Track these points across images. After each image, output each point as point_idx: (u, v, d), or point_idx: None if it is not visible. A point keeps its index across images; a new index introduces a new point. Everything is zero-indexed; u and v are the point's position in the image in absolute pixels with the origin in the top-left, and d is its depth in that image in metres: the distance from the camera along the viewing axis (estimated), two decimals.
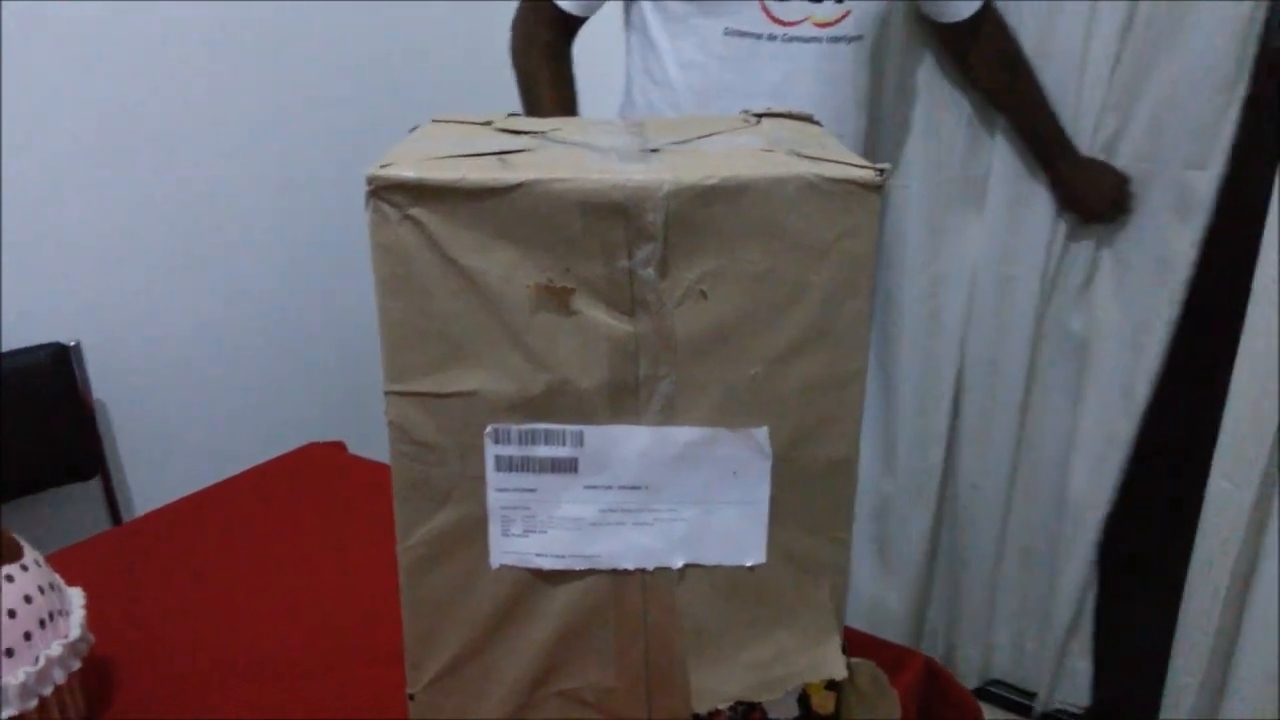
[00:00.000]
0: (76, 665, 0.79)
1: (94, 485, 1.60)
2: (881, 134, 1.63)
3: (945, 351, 1.72)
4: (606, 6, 1.39)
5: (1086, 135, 1.51)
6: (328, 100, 1.80)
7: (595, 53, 1.43)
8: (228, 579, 1.06)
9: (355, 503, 1.21)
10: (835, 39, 1.32)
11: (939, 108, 1.61)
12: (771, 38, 1.30)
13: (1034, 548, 1.77)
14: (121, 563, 1.10)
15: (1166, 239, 1.50)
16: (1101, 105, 1.49)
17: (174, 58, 1.58)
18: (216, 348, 1.73)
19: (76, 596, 0.83)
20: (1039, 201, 1.57)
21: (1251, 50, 1.37)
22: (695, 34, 1.32)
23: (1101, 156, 1.52)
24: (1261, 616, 1.39)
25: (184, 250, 1.65)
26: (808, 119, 0.80)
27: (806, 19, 1.29)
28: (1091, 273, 1.60)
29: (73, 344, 1.53)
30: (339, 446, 1.40)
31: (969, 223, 1.66)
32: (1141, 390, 1.57)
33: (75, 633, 0.79)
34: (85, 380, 1.55)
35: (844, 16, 1.31)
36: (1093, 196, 1.53)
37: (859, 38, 1.34)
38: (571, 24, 1.38)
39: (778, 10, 1.28)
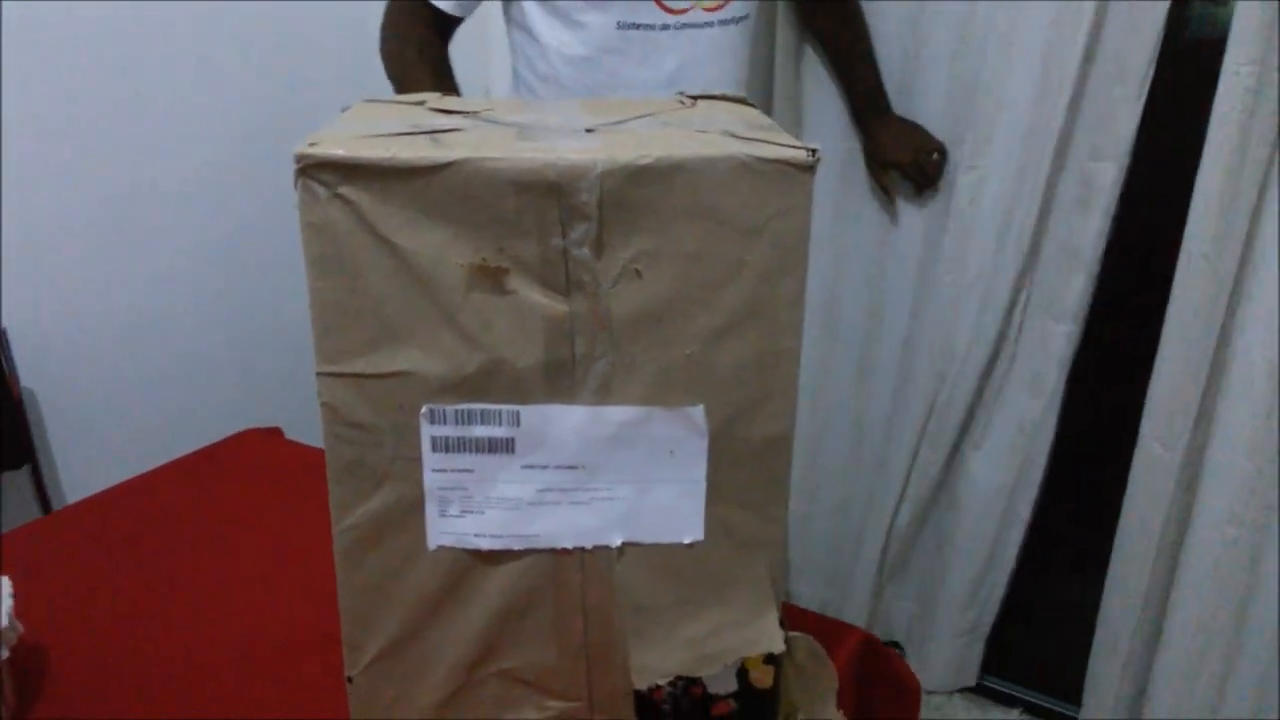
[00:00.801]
0: (4, 654, 0.78)
1: (22, 475, 1.56)
2: (773, 109, 1.67)
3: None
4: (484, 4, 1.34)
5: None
6: (258, 81, 1.77)
7: (477, 49, 1.38)
8: (162, 567, 1.05)
9: (292, 488, 1.20)
10: (725, 21, 1.31)
11: (828, 81, 1.65)
12: (665, 27, 1.28)
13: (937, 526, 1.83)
14: (51, 551, 1.08)
15: (1073, 229, 1.52)
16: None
17: (99, 41, 1.54)
18: (148, 332, 1.70)
19: (4, 585, 0.81)
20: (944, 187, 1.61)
21: (1155, 44, 1.39)
22: (584, 29, 1.28)
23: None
24: (1194, 575, 1.44)
25: (113, 234, 1.62)
26: (741, 101, 0.80)
27: (695, 5, 1.28)
28: (1002, 262, 1.57)
29: None
30: (275, 432, 1.38)
31: (867, 198, 1.71)
32: (1052, 379, 1.60)
33: (3, 622, 0.78)
34: (12, 367, 1.52)
35: None
36: (893, 151, 1.58)
37: (745, 18, 1.34)
38: (448, 24, 1.33)
39: None
